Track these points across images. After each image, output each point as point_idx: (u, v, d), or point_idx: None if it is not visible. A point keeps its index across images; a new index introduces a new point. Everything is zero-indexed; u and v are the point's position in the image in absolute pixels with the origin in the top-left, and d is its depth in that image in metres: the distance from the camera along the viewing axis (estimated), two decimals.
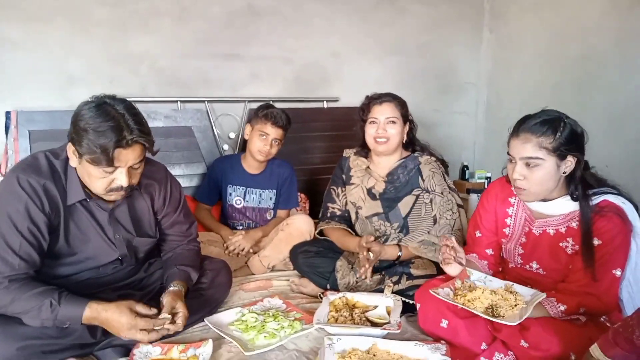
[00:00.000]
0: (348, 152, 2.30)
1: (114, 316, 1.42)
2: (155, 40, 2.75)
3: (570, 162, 1.53)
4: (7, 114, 2.44)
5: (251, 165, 2.51)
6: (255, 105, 2.61)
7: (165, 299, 1.56)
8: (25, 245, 1.42)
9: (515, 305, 1.49)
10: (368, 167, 2.21)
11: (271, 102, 2.85)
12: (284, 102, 3.07)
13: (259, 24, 2.97)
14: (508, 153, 1.58)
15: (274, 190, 2.54)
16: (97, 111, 1.39)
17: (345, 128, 2.99)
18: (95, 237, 1.60)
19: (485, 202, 1.78)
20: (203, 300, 1.76)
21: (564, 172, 1.54)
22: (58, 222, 1.52)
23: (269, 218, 2.55)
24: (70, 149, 1.45)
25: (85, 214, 1.57)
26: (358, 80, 3.28)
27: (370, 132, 2.10)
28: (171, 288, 1.60)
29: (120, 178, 1.45)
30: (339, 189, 2.26)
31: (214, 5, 2.85)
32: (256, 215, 2.54)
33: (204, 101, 2.88)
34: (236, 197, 2.52)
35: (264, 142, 2.38)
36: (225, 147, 2.91)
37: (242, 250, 2.32)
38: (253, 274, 2.26)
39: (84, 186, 1.52)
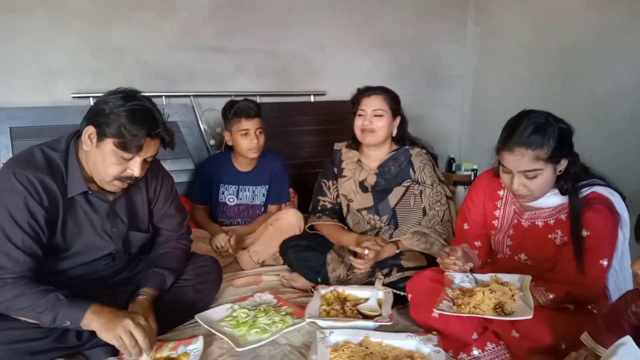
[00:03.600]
0: (339, 145, 2.29)
1: (116, 319, 1.38)
2: (138, 33, 2.68)
3: (564, 163, 1.53)
4: None
5: (242, 162, 2.48)
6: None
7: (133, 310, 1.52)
8: (27, 240, 1.41)
9: (513, 296, 1.50)
10: (359, 160, 2.21)
11: (256, 97, 2.84)
12: (271, 96, 3.05)
13: (244, 16, 2.92)
14: (501, 164, 1.56)
15: (266, 186, 2.51)
16: (130, 100, 1.45)
17: (332, 122, 2.99)
18: (91, 230, 1.58)
19: (473, 196, 1.78)
20: (192, 297, 1.73)
21: (560, 172, 1.54)
22: (56, 216, 1.50)
23: (259, 214, 2.52)
24: (87, 132, 1.46)
25: (84, 207, 1.56)
26: (345, 74, 3.26)
27: (357, 123, 2.12)
28: (140, 297, 1.57)
29: (134, 168, 1.48)
30: (330, 182, 2.26)
31: None
32: (249, 212, 2.51)
33: (189, 96, 2.83)
34: (229, 195, 2.49)
35: (249, 139, 2.35)
36: (212, 142, 2.87)
37: (227, 250, 2.25)
38: (243, 270, 2.24)
39: (85, 178, 1.52)
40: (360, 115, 2.11)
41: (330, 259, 2.05)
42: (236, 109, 2.35)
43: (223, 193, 2.48)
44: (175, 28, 2.77)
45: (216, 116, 2.92)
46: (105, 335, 1.38)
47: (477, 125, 3.68)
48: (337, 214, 2.26)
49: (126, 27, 2.65)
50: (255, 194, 2.51)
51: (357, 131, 2.12)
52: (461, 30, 3.64)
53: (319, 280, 2.03)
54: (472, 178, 3.27)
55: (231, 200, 2.49)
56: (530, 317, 1.39)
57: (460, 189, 3.16)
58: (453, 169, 3.50)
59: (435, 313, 1.56)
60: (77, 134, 1.54)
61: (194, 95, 2.84)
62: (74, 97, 2.55)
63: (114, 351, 1.48)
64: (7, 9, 2.41)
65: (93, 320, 1.38)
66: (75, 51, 2.57)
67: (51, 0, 2.48)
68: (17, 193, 1.41)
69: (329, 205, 2.25)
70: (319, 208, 2.26)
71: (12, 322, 1.40)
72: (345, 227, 2.21)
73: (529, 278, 1.54)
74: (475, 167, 3.38)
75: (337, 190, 2.24)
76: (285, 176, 2.56)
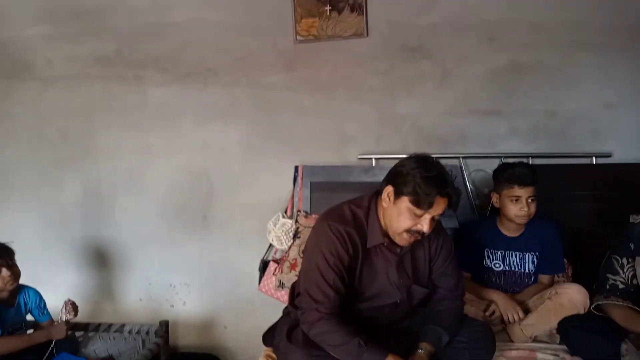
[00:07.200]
0: (636, 218, 2.01)
1: None
2: (418, 102, 2.96)
3: None
4: (296, 168, 2.97)
5: (509, 227, 2.39)
6: (511, 161, 2.51)
7: None
8: (336, 280, 1.69)
9: None
10: None
11: (529, 158, 2.74)
12: (545, 157, 2.90)
13: (522, 78, 2.90)
14: None
15: (536, 254, 2.37)
16: (425, 163, 1.66)
17: (618, 187, 2.64)
18: (382, 278, 1.79)
19: None
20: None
21: None
22: (356, 264, 1.76)
23: (529, 283, 2.38)
24: (387, 191, 1.71)
25: (378, 257, 1.79)
26: (636, 134, 2.86)
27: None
28: (419, 351, 1.68)
29: (424, 224, 1.66)
30: (624, 259, 1.99)
31: (477, 64, 2.92)
32: (516, 279, 2.40)
33: (458, 157, 2.94)
34: (495, 260, 2.42)
35: (519, 206, 2.25)
36: (477, 202, 2.88)
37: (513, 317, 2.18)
38: (511, 341, 2.13)
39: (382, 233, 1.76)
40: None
41: (626, 350, 1.77)
42: (510, 174, 2.28)
43: (488, 258, 2.42)
44: (451, 96, 2.95)
45: (483, 177, 2.94)
46: None
47: None
48: (630, 296, 1.95)
49: (408, 98, 2.97)
50: (523, 261, 2.38)
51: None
52: None
53: None
54: None
55: (497, 265, 2.41)
56: None
57: None
58: None
59: None
60: (377, 193, 1.80)
61: (462, 157, 2.94)
62: (359, 158, 2.96)
63: None
64: (319, 89, 3.01)
65: None
66: (364, 120, 3.01)
67: (353, 79, 3.00)
68: (331, 241, 1.71)
69: (621, 286, 1.98)
70: (608, 287, 2.00)
71: (319, 350, 1.66)
72: None
73: None
74: None
75: (634, 270, 1.95)
76: (559, 244, 2.35)
